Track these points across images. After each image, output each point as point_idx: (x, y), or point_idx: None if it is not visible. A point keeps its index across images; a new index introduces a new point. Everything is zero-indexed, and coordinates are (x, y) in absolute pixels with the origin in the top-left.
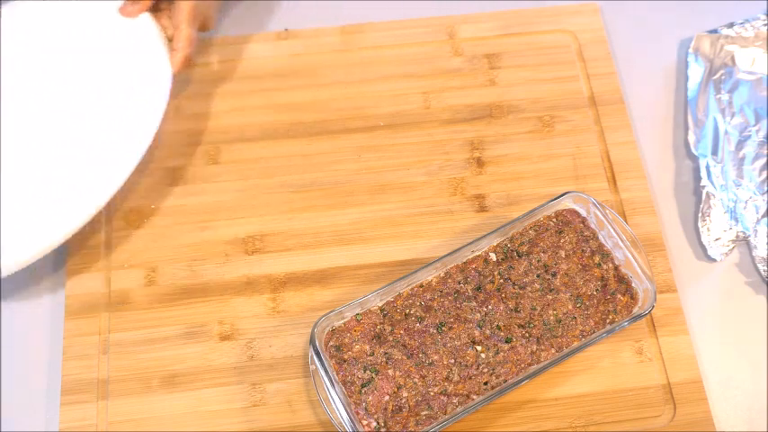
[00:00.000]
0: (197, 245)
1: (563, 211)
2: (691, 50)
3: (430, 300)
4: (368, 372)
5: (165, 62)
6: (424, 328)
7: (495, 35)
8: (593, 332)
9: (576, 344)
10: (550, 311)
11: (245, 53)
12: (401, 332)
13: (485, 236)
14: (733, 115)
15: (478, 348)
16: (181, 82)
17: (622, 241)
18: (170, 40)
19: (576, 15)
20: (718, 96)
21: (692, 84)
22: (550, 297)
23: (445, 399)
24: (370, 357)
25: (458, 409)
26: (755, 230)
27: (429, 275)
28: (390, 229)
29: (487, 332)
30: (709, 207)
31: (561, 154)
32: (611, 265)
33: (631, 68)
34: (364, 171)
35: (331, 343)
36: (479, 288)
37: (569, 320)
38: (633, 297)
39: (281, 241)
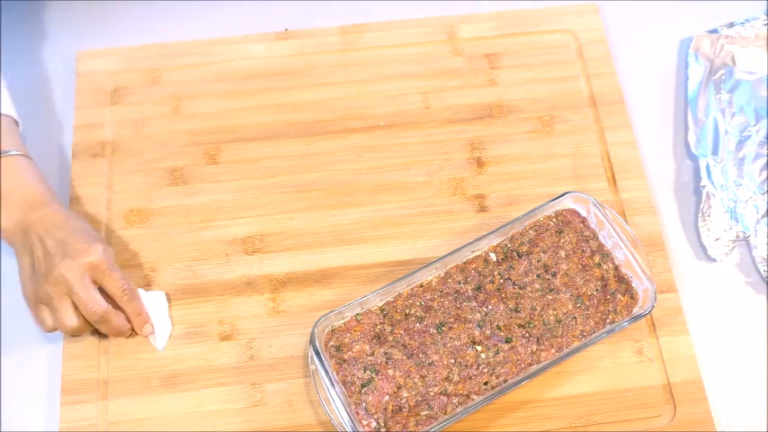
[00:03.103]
0: (197, 245)
1: (563, 211)
2: (691, 50)
3: (430, 300)
4: (368, 372)
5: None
6: (424, 328)
7: (495, 35)
8: (593, 332)
9: (575, 344)
10: (550, 311)
11: (245, 53)
12: (401, 332)
13: (485, 236)
14: (733, 115)
15: (478, 348)
16: (181, 82)
17: (622, 241)
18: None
19: (576, 15)
20: (719, 96)
21: (692, 84)
22: (550, 297)
23: (445, 399)
24: (370, 357)
25: (458, 409)
26: (755, 230)
27: (429, 275)
28: (390, 229)
29: (487, 332)
30: (710, 207)
31: (561, 154)
32: (611, 265)
33: (631, 68)
34: (364, 171)
35: (331, 343)
36: (479, 288)
37: (569, 320)
38: (633, 297)
39: (280, 241)
